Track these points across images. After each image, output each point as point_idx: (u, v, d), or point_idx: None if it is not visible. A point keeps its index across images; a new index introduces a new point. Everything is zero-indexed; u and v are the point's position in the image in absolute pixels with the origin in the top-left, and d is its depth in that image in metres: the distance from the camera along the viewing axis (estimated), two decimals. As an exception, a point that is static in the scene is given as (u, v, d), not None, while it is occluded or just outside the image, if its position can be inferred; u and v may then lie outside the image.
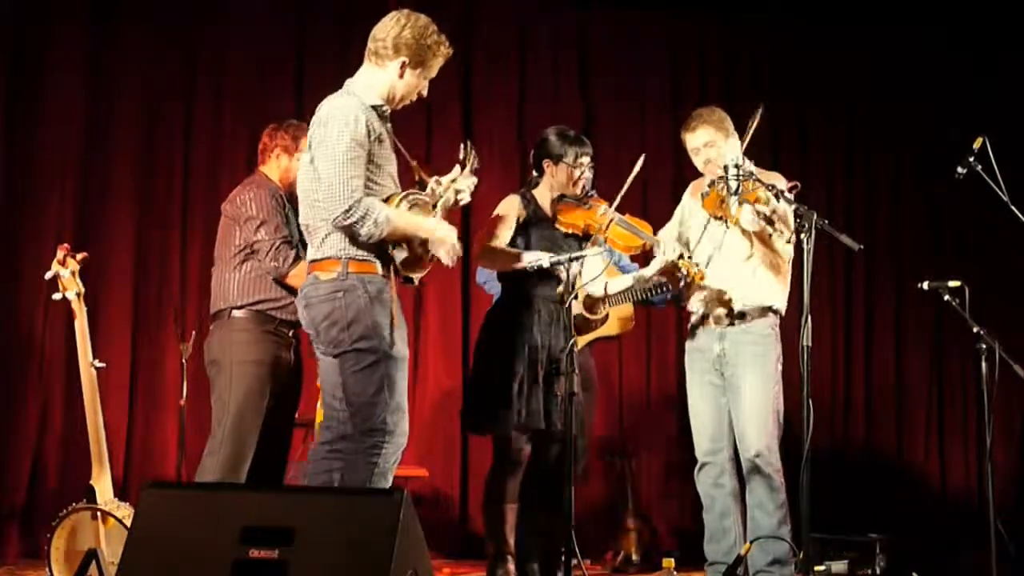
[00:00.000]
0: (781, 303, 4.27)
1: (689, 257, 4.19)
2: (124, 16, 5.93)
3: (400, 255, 3.59)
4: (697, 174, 4.42)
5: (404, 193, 3.63)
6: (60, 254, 4.12)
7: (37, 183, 5.68)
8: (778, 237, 4.17)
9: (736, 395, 4.20)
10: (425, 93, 3.75)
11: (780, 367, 4.23)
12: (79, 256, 4.15)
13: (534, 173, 4.55)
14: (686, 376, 4.38)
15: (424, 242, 3.63)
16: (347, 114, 3.50)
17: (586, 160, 4.46)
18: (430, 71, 3.69)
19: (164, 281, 5.82)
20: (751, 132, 4.17)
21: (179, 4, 6.01)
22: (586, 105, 6.71)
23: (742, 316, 4.22)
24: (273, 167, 4.26)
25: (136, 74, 5.92)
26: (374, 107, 3.61)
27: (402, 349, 3.59)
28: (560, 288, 4.29)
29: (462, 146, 3.88)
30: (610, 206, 4.37)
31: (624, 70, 6.82)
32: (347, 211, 3.44)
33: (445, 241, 3.64)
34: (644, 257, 4.75)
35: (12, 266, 5.58)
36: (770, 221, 4.03)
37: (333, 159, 3.46)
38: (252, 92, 5.98)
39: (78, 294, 4.10)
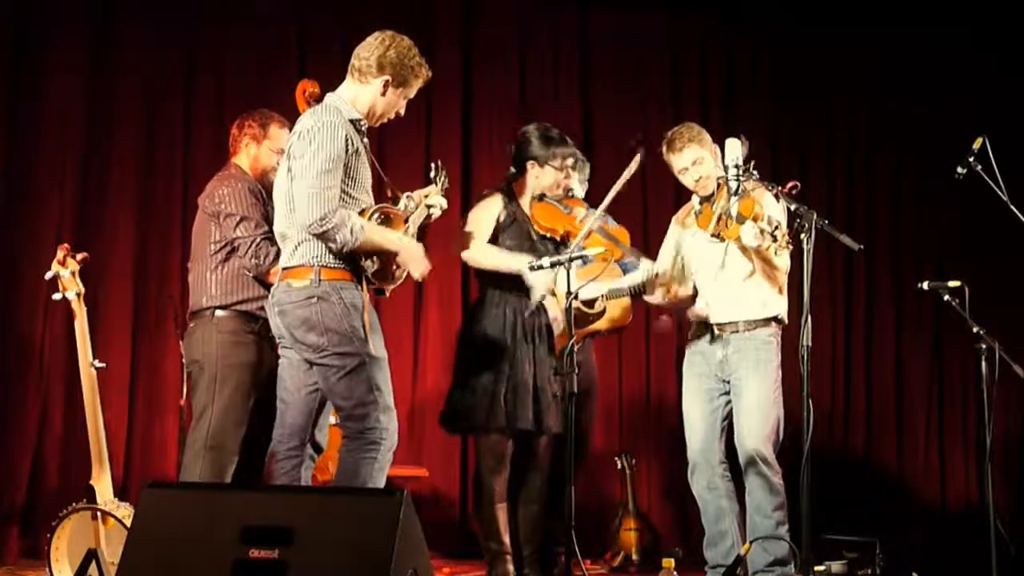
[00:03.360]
0: (783, 311, 4.30)
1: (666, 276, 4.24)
2: (124, 16, 5.93)
3: (371, 267, 3.66)
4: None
5: (377, 206, 3.73)
6: (60, 254, 4.12)
7: (37, 183, 5.68)
8: (777, 252, 4.16)
9: (738, 398, 4.23)
10: (403, 112, 3.87)
11: (779, 376, 4.25)
12: (79, 256, 4.15)
13: (512, 170, 4.54)
14: (683, 378, 4.39)
15: (394, 256, 3.71)
16: (327, 127, 3.59)
17: (571, 162, 4.47)
18: (410, 91, 3.81)
19: (164, 281, 5.82)
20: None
21: (179, 4, 6.01)
22: (586, 105, 6.71)
23: (745, 325, 4.24)
24: (244, 157, 4.23)
25: (136, 74, 5.91)
26: (353, 121, 3.70)
27: (381, 351, 3.66)
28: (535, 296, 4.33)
29: (433, 166, 4.01)
30: (589, 210, 4.39)
31: (624, 70, 6.82)
32: (323, 218, 3.52)
33: (416, 257, 3.74)
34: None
35: (12, 266, 5.57)
36: (773, 237, 4.02)
37: (312, 169, 3.55)
38: (252, 92, 5.97)
39: (78, 294, 4.10)
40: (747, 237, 3.98)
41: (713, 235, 4.12)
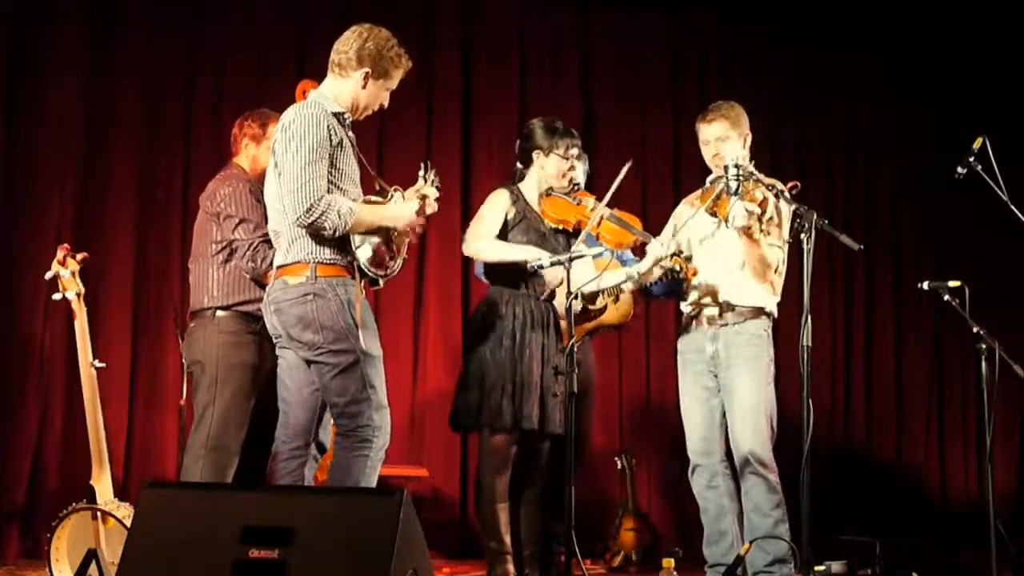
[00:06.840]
0: (772, 306, 4.28)
1: (681, 254, 4.22)
2: (124, 16, 5.93)
3: (365, 253, 3.66)
4: (693, 174, 4.42)
5: (365, 199, 3.73)
6: (60, 254, 4.11)
7: (37, 183, 5.67)
8: (766, 241, 4.15)
9: (730, 396, 4.21)
10: (386, 104, 3.87)
11: (772, 369, 4.23)
12: (79, 256, 4.14)
13: (518, 165, 4.56)
14: (678, 377, 4.39)
15: (387, 239, 3.71)
16: (309, 120, 3.60)
17: (575, 152, 4.49)
18: (391, 82, 3.81)
19: (164, 281, 5.81)
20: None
21: (179, 4, 6.01)
22: (586, 105, 6.71)
23: (734, 316, 4.22)
24: (244, 157, 4.27)
25: (136, 74, 5.91)
26: (336, 115, 3.71)
27: (374, 348, 3.66)
28: (547, 288, 4.32)
29: (422, 165, 3.98)
30: (599, 200, 4.39)
31: (624, 70, 6.82)
32: (309, 209, 3.52)
33: (410, 219, 3.75)
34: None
35: (12, 266, 5.57)
36: (759, 219, 4.02)
37: (295, 162, 3.56)
38: (252, 92, 5.97)
39: (78, 294, 4.10)
40: (736, 213, 3.97)
41: (710, 213, 4.11)
